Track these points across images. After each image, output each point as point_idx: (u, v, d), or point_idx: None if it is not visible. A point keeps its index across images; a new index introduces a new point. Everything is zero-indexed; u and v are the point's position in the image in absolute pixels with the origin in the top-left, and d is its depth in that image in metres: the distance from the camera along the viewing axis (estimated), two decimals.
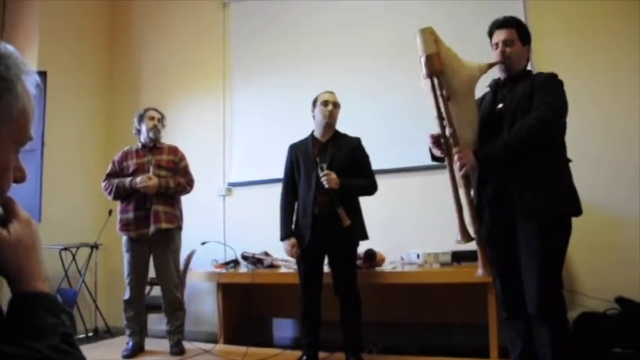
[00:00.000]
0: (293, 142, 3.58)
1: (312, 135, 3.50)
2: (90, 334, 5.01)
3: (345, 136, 3.48)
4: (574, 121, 3.78)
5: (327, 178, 3.21)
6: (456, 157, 2.38)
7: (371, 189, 3.42)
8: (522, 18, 4.08)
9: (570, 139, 3.77)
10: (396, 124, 4.46)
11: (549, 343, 2.29)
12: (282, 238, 3.44)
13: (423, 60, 2.39)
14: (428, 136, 2.51)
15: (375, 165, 4.41)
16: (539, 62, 4.07)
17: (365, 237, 3.42)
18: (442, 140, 2.44)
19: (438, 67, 2.36)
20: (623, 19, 3.99)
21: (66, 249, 4.85)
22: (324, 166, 3.26)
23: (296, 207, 3.49)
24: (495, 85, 2.60)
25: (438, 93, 2.39)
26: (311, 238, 3.31)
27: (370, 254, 3.75)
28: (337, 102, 3.44)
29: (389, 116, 4.51)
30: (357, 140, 3.48)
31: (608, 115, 3.99)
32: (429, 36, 2.37)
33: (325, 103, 3.39)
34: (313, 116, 3.47)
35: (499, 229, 2.47)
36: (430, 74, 2.38)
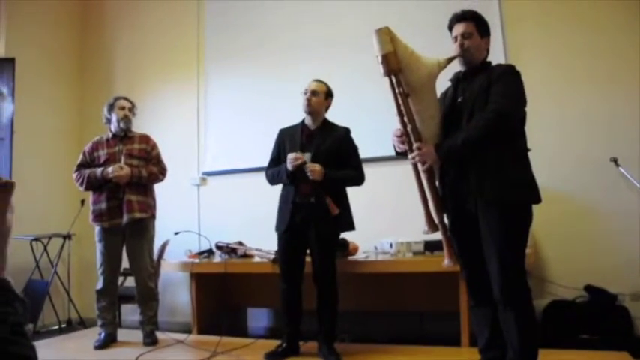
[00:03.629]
0: (283, 127, 3.56)
1: (302, 122, 3.48)
2: (63, 326, 4.97)
3: (333, 125, 3.46)
4: (544, 110, 3.87)
5: (311, 170, 3.19)
6: (416, 153, 2.44)
7: (357, 180, 3.42)
8: (496, 8, 4.15)
9: (540, 127, 3.84)
10: (372, 114, 4.45)
11: (515, 327, 2.35)
12: (287, 170, 3.27)
13: (379, 59, 2.44)
14: (392, 132, 2.57)
15: None
16: (512, 50, 4.11)
17: (352, 227, 3.41)
18: (404, 136, 2.49)
19: (395, 65, 2.42)
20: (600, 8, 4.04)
21: (37, 239, 4.78)
22: (309, 156, 3.25)
23: (279, 193, 3.48)
24: (456, 78, 2.64)
25: (397, 90, 2.45)
26: (290, 224, 3.30)
27: (343, 243, 3.75)
28: (317, 89, 3.39)
29: (364, 106, 4.50)
30: (346, 131, 3.46)
31: (578, 103, 4.04)
32: (385, 36, 2.42)
33: (305, 92, 3.38)
34: None
35: (461, 218, 2.52)
36: (388, 73, 2.44)
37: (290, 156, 3.25)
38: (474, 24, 2.53)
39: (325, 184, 3.24)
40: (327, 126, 3.45)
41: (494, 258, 2.37)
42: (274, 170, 3.45)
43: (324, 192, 3.24)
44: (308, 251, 3.41)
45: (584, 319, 3.62)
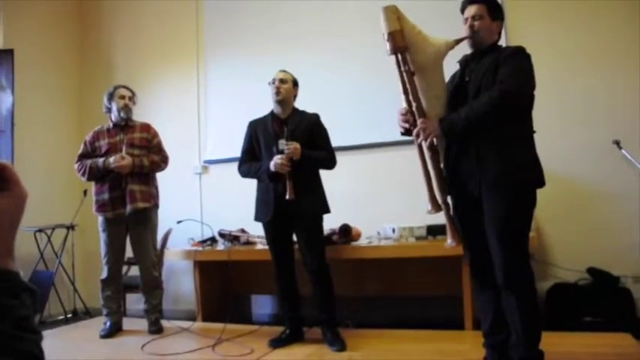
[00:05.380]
0: (252, 119, 3.57)
1: (271, 112, 3.50)
2: (69, 316, 5.00)
3: (303, 112, 3.49)
4: (547, 93, 3.85)
5: (290, 147, 3.23)
6: (420, 127, 2.44)
7: (330, 162, 3.44)
8: None
9: (543, 109, 3.81)
10: (370, 100, 4.44)
11: (518, 311, 2.36)
12: (267, 169, 3.29)
13: (386, 37, 2.44)
14: (397, 111, 2.56)
15: (351, 141, 4.42)
16: (513, 33, 4.08)
17: (327, 210, 3.42)
18: (409, 114, 2.50)
19: (401, 43, 2.42)
20: None
21: (41, 230, 4.79)
22: (284, 141, 3.27)
23: (257, 185, 3.49)
24: (465, 60, 2.63)
25: (403, 68, 2.45)
26: (274, 214, 3.32)
27: (345, 229, 3.76)
28: (284, 78, 3.42)
29: (363, 92, 4.48)
30: (316, 116, 3.49)
31: (579, 86, 4.01)
32: (392, 14, 2.43)
33: (273, 82, 3.41)
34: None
35: (464, 200, 2.52)
36: (394, 51, 2.45)
37: (277, 161, 3.22)
38: (485, 6, 2.51)
39: (300, 165, 3.26)
40: (298, 113, 3.48)
41: (497, 241, 2.37)
42: (252, 166, 3.45)
43: (291, 175, 3.24)
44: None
45: (586, 302, 3.63)
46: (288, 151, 3.22)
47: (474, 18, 2.50)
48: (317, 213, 3.40)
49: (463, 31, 2.54)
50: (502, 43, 3.82)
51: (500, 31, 2.60)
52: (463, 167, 2.48)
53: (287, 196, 3.22)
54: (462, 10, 2.58)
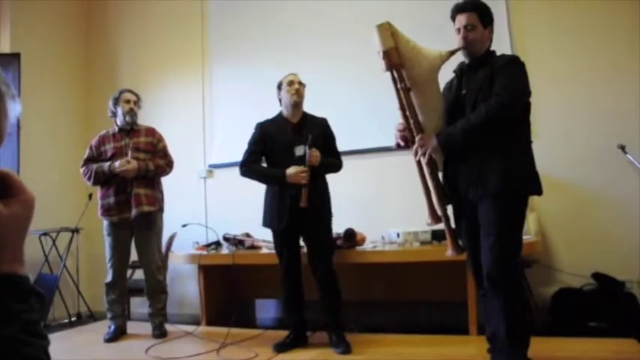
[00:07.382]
0: (261, 121, 3.55)
1: (281, 116, 3.49)
2: (73, 319, 5.00)
3: (313, 117, 3.50)
4: (550, 99, 3.86)
5: (312, 155, 3.25)
6: (417, 144, 2.48)
7: (339, 167, 3.51)
8: None
9: (547, 115, 3.83)
10: (376, 104, 4.43)
11: (501, 313, 2.37)
12: (282, 176, 3.27)
13: (381, 55, 2.47)
14: (395, 126, 2.61)
15: (356, 145, 4.42)
16: (518, 38, 4.08)
17: (331, 214, 3.46)
18: (406, 130, 2.54)
19: (396, 60, 2.45)
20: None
21: (46, 234, 4.81)
22: (307, 148, 3.28)
23: (266, 190, 3.48)
24: (460, 69, 2.63)
25: (399, 86, 2.48)
26: (289, 219, 3.31)
27: (350, 233, 3.76)
28: (302, 81, 3.45)
29: (368, 96, 4.48)
30: (325, 121, 3.51)
31: (584, 91, 4.01)
32: (385, 31, 2.45)
33: (291, 83, 3.40)
34: (279, 99, 3.47)
35: (464, 208, 2.57)
36: (389, 68, 2.48)
37: (298, 173, 3.23)
38: (476, 14, 2.49)
39: (318, 170, 3.30)
40: (309, 118, 3.48)
41: (485, 247, 2.41)
42: (259, 170, 3.44)
43: (307, 183, 3.24)
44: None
45: (591, 307, 3.62)
46: (310, 159, 3.24)
47: (466, 28, 2.48)
48: (327, 219, 3.41)
49: (456, 40, 2.52)
50: (507, 47, 3.86)
51: (492, 37, 2.58)
52: (462, 178, 2.50)
53: (301, 204, 3.22)
54: (453, 18, 2.56)
